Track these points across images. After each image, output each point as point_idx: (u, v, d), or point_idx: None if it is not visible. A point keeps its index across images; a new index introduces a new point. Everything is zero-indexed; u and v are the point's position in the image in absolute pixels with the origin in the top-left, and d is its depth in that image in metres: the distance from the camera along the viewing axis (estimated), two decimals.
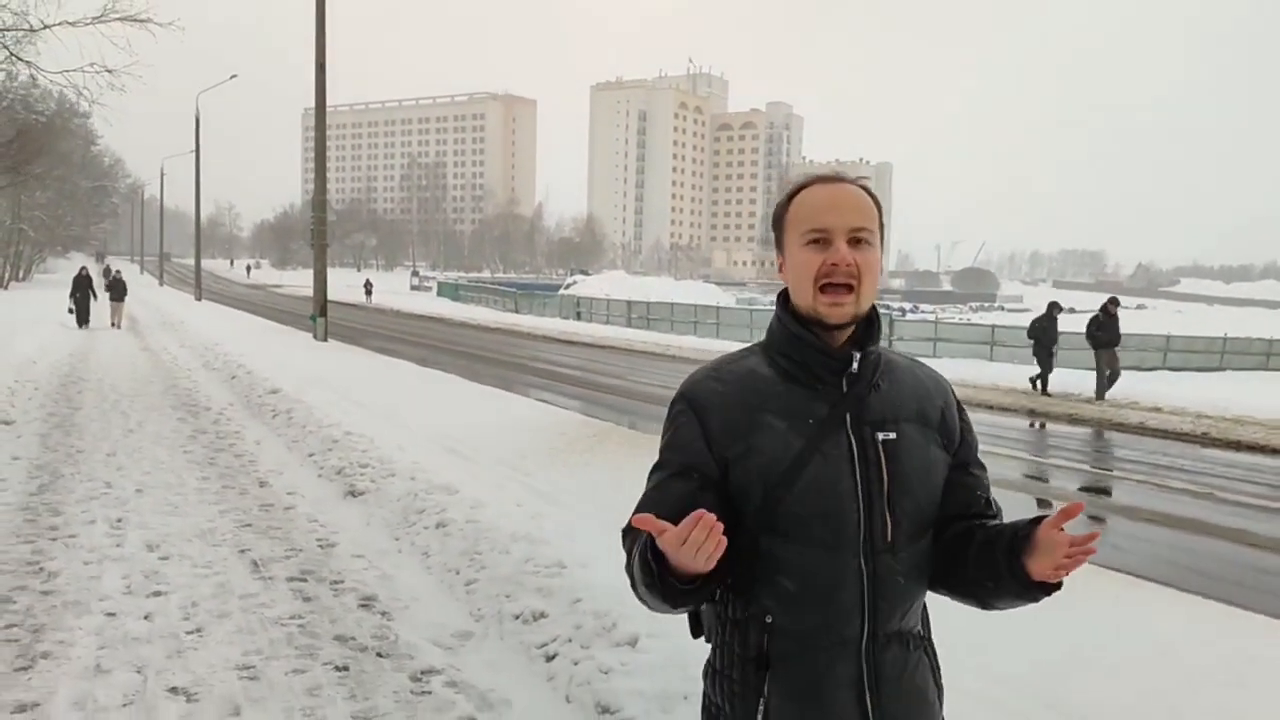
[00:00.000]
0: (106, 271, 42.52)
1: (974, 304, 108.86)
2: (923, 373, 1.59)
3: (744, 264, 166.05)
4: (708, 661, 1.55)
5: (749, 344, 1.60)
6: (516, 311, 49.10)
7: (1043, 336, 16.48)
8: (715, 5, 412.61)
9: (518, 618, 4.30)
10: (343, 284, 63.24)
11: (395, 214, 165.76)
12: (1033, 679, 3.50)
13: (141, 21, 14.05)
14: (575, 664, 3.78)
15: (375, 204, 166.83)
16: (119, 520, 6.13)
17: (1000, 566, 1.43)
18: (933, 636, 1.57)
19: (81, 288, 24.40)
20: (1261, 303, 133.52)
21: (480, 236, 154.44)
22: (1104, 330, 15.86)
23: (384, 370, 15.50)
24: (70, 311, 24.31)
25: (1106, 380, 15.63)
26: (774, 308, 1.56)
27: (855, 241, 1.46)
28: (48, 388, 12.75)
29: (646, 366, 21.43)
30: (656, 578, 1.32)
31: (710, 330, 36.28)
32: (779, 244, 1.55)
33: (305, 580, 5.04)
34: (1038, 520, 1.40)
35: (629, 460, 8.11)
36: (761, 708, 1.45)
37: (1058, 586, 1.41)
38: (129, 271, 36.36)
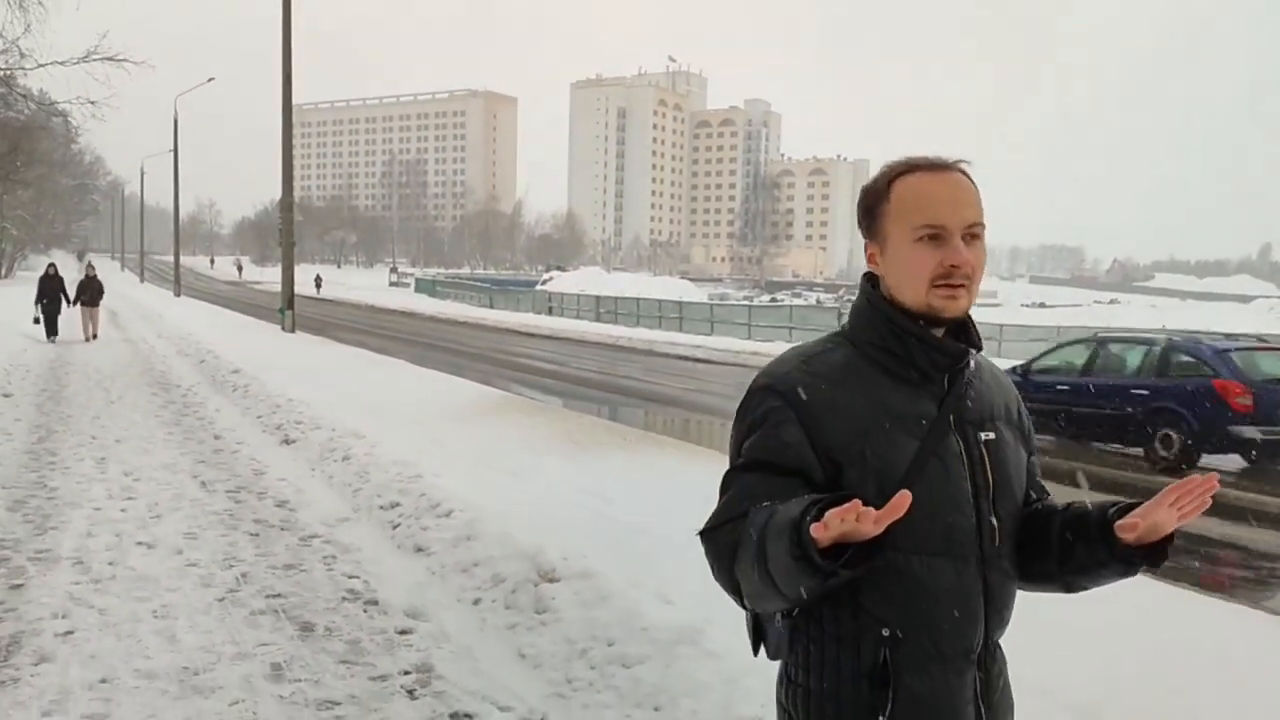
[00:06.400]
0: (87, 268, 43.04)
1: None
2: (994, 366, 1.56)
3: (721, 260, 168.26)
4: (793, 683, 1.45)
5: (825, 334, 1.51)
6: (491, 307, 50.92)
7: None
8: (696, 2, 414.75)
9: (381, 508, 6.20)
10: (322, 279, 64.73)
11: (376, 211, 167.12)
12: None
13: (119, 61, 15.94)
14: (409, 528, 5.69)
15: (356, 201, 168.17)
16: (102, 459, 7.99)
17: (1098, 546, 1.40)
18: None
19: (51, 292, 19.93)
20: (1234, 297, 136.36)
21: (460, 233, 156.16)
22: None
23: (339, 356, 17.34)
24: (36, 321, 19.73)
25: None
26: (857, 295, 1.48)
27: (970, 237, 1.39)
28: (38, 370, 14.53)
29: (589, 355, 23.36)
30: (808, 553, 1.17)
31: (674, 324, 38.19)
32: (871, 232, 1.44)
33: (239, 492, 6.92)
34: (1128, 505, 1.38)
35: (518, 421, 10.01)
36: None
37: (1165, 557, 1.37)
38: (108, 269, 35.56)
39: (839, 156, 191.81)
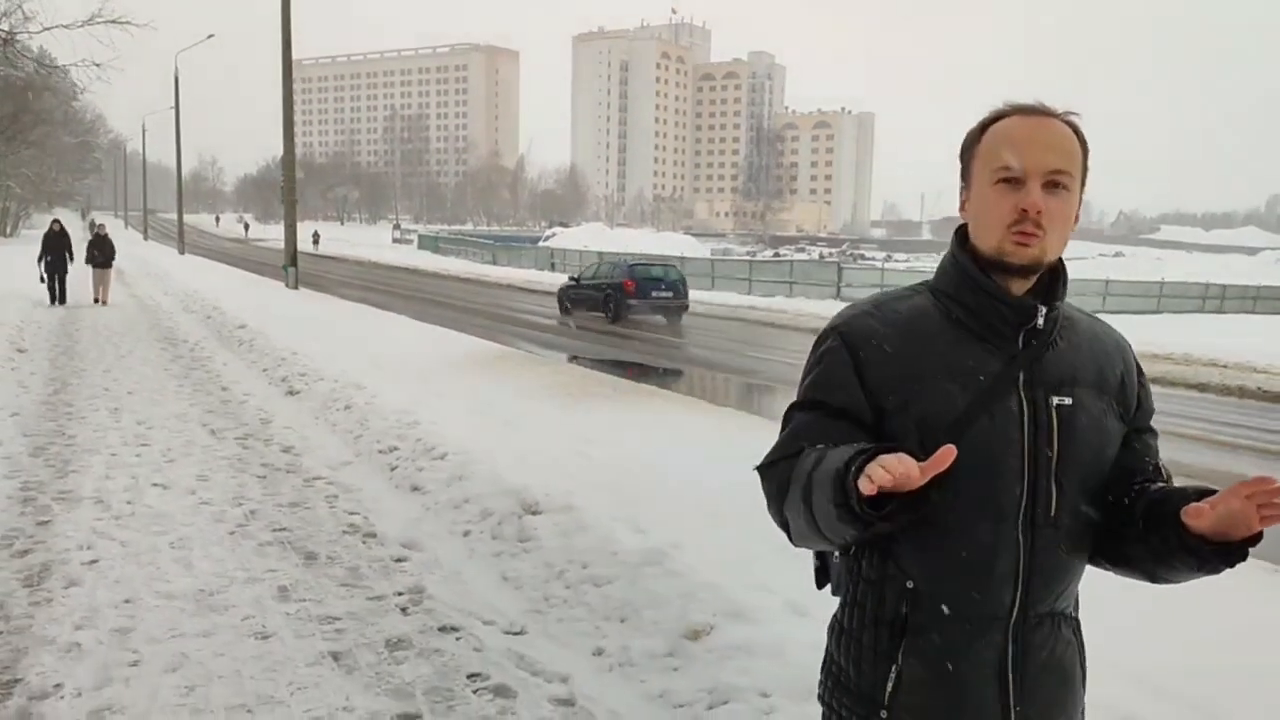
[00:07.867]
0: (91, 226, 42.70)
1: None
2: (1102, 331, 1.47)
3: (725, 215, 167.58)
4: (835, 618, 1.48)
5: (914, 283, 1.47)
6: (494, 263, 51.09)
7: None
8: None
9: (380, 452, 6.60)
10: (323, 236, 64.85)
11: (378, 167, 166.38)
12: None
13: (123, 24, 16.13)
14: (406, 469, 6.08)
15: (358, 157, 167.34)
16: (116, 409, 8.38)
17: (1170, 531, 1.29)
18: (1080, 616, 1.46)
19: (56, 248, 18.52)
20: (1240, 249, 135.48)
21: (463, 189, 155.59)
22: None
23: (341, 311, 17.70)
24: (42, 280, 18.51)
25: None
26: (948, 245, 1.43)
27: (1052, 185, 1.32)
28: (49, 327, 14.91)
29: None
30: (850, 502, 1.18)
31: None
32: (964, 176, 1.41)
33: (247, 439, 7.32)
34: (1206, 492, 1.28)
35: (514, 373, 10.38)
36: (893, 676, 1.37)
37: (1242, 557, 1.26)
38: (112, 227, 34.58)
39: (843, 110, 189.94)
